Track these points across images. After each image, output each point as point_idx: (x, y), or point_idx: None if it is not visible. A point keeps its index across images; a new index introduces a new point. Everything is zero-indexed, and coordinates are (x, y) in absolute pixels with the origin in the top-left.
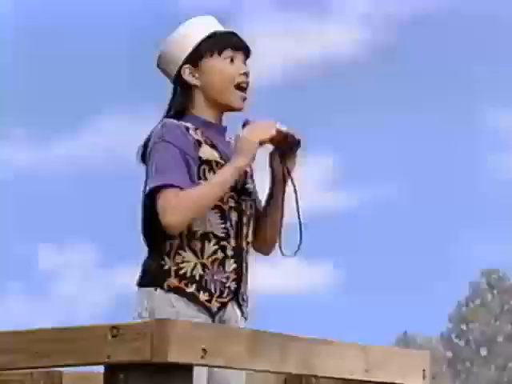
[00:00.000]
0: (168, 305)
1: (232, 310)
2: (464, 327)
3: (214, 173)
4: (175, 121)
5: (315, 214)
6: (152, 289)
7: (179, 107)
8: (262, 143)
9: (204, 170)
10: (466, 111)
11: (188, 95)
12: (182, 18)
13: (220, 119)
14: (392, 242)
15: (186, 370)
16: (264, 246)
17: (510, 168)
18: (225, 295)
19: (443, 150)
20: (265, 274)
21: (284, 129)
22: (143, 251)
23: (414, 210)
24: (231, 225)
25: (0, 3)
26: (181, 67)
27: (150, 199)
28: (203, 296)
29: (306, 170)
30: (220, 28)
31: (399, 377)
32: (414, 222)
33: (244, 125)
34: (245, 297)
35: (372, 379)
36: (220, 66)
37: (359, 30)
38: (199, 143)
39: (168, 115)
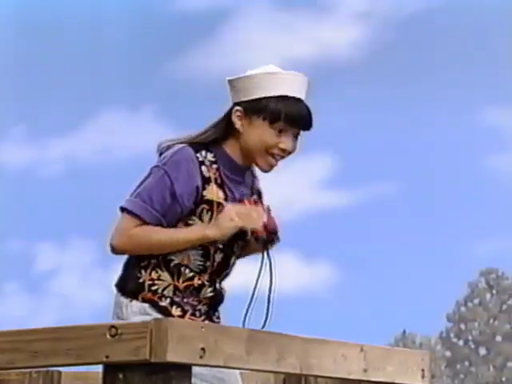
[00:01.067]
0: (143, 313)
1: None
2: (463, 327)
3: (212, 214)
4: (193, 152)
5: (314, 213)
6: (127, 299)
7: (213, 137)
8: (241, 229)
9: (203, 209)
10: (465, 109)
11: (229, 132)
12: (179, 15)
13: (246, 164)
14: (391, 241)
15: (185, 369)
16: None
17: (509, 167)
18: (197, 315)
19: (442, 148)
20: (263, 274)
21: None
22: None
23: (413, 209)
24: (212, 264)
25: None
26: (237, 104)
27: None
28: (176, 311)
29: (306, 170)
30: (295, 93)
31: (398, 377)
32: (413, 222)
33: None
34: (218, 315)
35: (371, 379)
36: (263, 133)
37: (356, 28)
38: (207, 181)
39: (197, 140)
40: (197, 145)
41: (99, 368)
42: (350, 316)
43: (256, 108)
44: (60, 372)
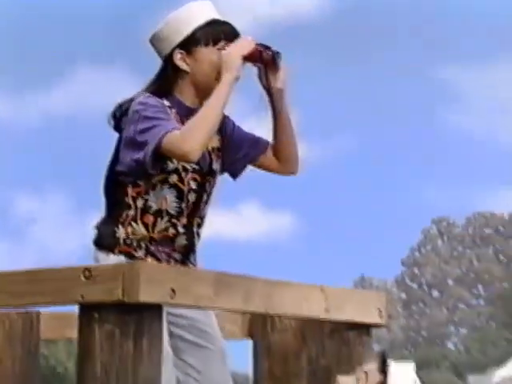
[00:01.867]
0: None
1: None
2: (417, 271)
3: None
4: (156, 98)
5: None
6: (105, 253)
7: (163, 87)
8: (244, 58)
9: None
10: (419, 66)
11: (175, 78)
12: None
13: (200, 105)
14: (349, 191)
15: (157, 309)
16: (290, 166)
17: (460, 119)
18: (172, 263)
19: (397, 102)
20: (230, 222)
21: (259, 46)
22: None
23: (371, 162)
24: (187, 205)
25: None
26: (173, 50)
27: (155, 159)
28: (151, 260)
29: (268, 124)
30: (216, 15)
31: (357, 316)
32: (371, 173)
33: None
34: (194, 263)
35: (331, 318)
36: (211, 57)
37: None
38: None
39: (150, 91)
40: (153, 94)
41: (76, 309)
42: (310, 261)
43: (194, 40)
44: (39, 313)
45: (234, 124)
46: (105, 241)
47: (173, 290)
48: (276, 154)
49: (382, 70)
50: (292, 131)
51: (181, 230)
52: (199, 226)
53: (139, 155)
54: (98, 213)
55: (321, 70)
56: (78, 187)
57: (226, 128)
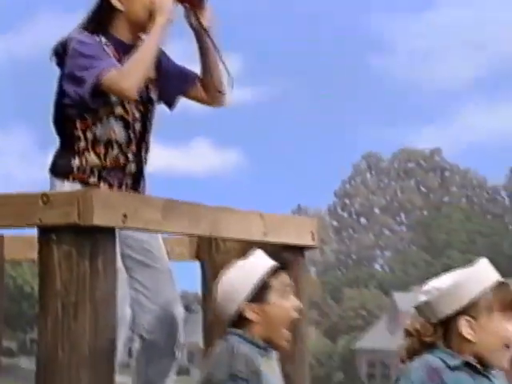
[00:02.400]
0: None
1: None
2: (347, 201)
3: None
4: (90, 34)
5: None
6: (60, 180)
7: (100, 25)
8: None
9: None
10: (351, 17)
11: (111, 16)
12: None
13: (137, 43)
14: (290, 130)
15: (109, 232)
16: (217, 98)
17: (387, 65)
18: (123, 188)
19: (333, 48)
20: (183, 158)
21: None
22: None
23: (308, 102)
24: (134, 134)
25: None
26: None
27: (95, 93)
28: (103, 186)
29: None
30: None
31: (292, 239)
32: (308, 114)
33: None
34: (143, 186)
35: (270, 240)
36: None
37: None
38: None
39: (87, 28)
40: (89, 31)
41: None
42: (253, 193)
43: None
44: (2, 236)
45: (168, 58)
46: (60, 169)
47: (124, 215)
48: (204, 87)
49: (313, 23)
50: (218, 66)
51: (131, 157)
52: (146, 151)
53: (80, 91)
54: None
55: (263, 15)
56: (39, 124)
57: (161, 61)
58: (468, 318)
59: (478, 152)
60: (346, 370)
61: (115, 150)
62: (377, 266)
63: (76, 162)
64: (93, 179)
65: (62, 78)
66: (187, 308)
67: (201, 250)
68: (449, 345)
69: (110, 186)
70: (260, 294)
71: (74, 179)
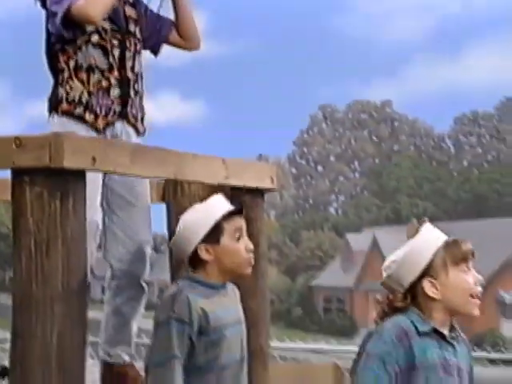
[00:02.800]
0: (61, 129)
1: (121, 128)
2: (305, 150)
3: None
4: None
5: (193, 60)
6: (52, 115)
7: None
8: None
9: None
10: None
11: None
12: None
13: None
14: (253, 83)
15: (80, 174)
16: (192, 43)
17: (344, 25)
18: (110, 116)
19: (289, 10)
20: (151, 108)
21: None
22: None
23: (269, 58)
24: (114, 59)
25: None
26: None
27: (66, 22)
28: (89, 117)
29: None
30: None
31: (253, 182)
32: (269, 68)
33: None
34: (135, 116)
35: (231, 184)
36: None
37: None
38: None
39: None
40: None
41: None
42: (217, 142)
43: None
44: None
45: (146, 6)
46: (51, 104)
47: (93, 158)
48: (180, 33)
49: None
50: (191, 13)
51: (113, 81)
52: (135, 81)
53: (55, 23)
54: (34, 99)
55: None
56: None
57: (140, 6)
58: (429, 278)
59: (425, 103)
60: (304, 305)
61: (97, 75)
62: (332, 210)
63: (62, 92)
64: (79, 110)
65: (47, 19)
66: (156, 249)
67: (167, 193)
68: (419, 308)
69: (96, 116)
70: (213, 236)
71: (62, 112)
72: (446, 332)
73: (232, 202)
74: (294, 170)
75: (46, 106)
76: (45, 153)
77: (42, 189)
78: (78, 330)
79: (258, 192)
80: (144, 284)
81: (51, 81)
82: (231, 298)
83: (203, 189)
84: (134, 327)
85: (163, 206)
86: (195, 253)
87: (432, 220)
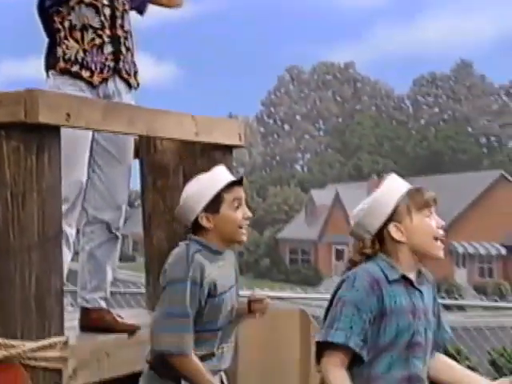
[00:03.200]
0: (59, 86)
1: (114, 84)
2: (273, 110)
3: None
4: None
5: (164, 23)
6: (50, 72)
7: None
8: None
9: None
10: None
11: None
12: None
13: None
14: (223, 44)
15: (54, 129)
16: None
17: None
18: (105, 72)
19: None
20: None
21: None
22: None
23: (242, 21)
24: (105, 18)
25: None
26: None
27: None
28: (85, 73)
29: None
30: None
31: (222, 139)
32: (239, 30)
33: None
34: (128, 71)
35: (201, 140)
36: None
37: None
38: None
39: None
40: None
41: None
42: (188, 101)
43: None
44: None
45: None
46: (48, 63)
47: (67, 114)
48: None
49: None
50: None
51: (106, 39)
52: (126, 39)
53: None
54: (12, 57)
55: None
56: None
57: None
58: (395, 223)
59: (386, 65)
60: (271, 257)
61: (90, 33)
62: (297, 167)
63: (59, 51)
64: (75, 67)
65: None
66: (130, 204)
67: (140, 149)
68: (387, 253)
69: (92, 72)
70: (214, 205)
71: (60, 71)
72: (413, 277)
73: (202, 158)
74: (262, 129)
75: (34, 64)
76: (20, 108)
77: (18, 143)
78: (54, 275)
79: (227, 148)
80: (118, 233)
81: (29, 41)
82: (229, 262)
83: (174, 145)
84: (109, 274)
85: (137, 163)
86: (196, 220)
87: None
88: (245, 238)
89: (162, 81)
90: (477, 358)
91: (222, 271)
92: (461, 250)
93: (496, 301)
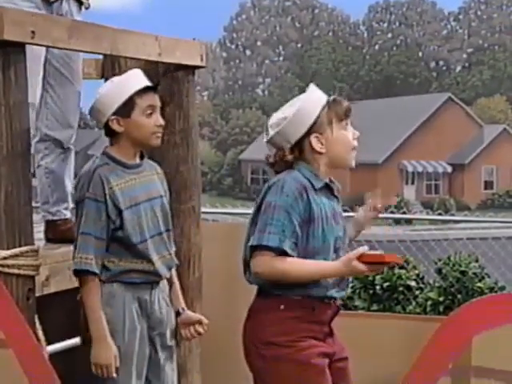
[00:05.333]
0: (13, 4)
1: (68, 4)
2: (235, 35)
3: None
4: None
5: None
6: None
7: None
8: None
9: None
10: None
11: None
12: None
13: None
14: None
15: (19, 46)
16: None
17: None
18: None
19: None
20: None
21: None
22: None
23: None
24: None
25: None
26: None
27: None
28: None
29: None
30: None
31: (184, 59)
32: None
33: None
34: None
35: (164, 60)
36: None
37: None
38: None
39: None
40: None
41: None
42: (153, 28)
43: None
44: None
45: None
46: None
47: (33, 32)
48: None
49: None
50: None
51: None
52: None
53: None
54: None
55: None
56: None
57: None
58: (316, 134)
59: None
60: (234, 176)
61: None
62: (258, 91)
63: None
64: None
65: None
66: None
67: (105, 70)
68: (306, 162)
69: None
70: (125, 109)
71: None
72: (333, 187)
73: (165, 78)
74: (224, 54)
75: None
76: None
77: None
78: (23, 187)
79: (190, 68)
80: (71, 146)
81: None
82: (148, 175)
83: (138, 65)
84: (69, 185)
85: (102, 82)
86: (108, 125)
87: (348, 100)
88: (158, 142)
89: (125, 5)
90: (424, 267)
91: (133, 183)
92: (410, 168)
93: (441, 214)
